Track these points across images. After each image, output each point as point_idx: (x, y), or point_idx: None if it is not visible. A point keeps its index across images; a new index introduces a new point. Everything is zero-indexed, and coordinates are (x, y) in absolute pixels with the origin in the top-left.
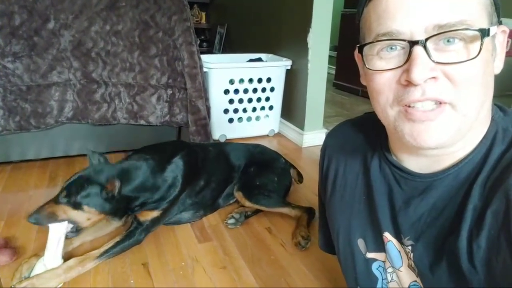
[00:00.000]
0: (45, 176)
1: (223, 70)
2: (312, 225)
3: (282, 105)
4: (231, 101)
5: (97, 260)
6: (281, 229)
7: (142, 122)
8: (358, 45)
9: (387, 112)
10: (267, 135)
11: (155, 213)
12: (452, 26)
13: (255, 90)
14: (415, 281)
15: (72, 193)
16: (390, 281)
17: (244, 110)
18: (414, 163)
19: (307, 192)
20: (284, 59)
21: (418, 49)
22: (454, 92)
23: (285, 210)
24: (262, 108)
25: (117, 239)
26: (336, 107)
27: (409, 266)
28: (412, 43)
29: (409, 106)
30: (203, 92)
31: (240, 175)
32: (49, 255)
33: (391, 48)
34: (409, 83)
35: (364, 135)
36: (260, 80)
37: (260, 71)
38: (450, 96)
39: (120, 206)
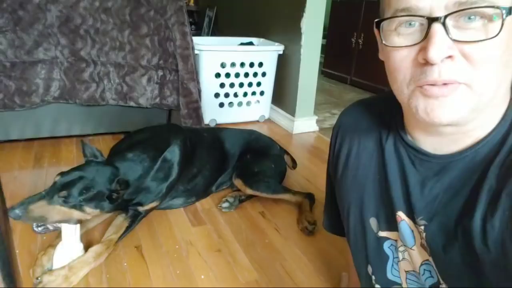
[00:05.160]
0: (30, 157)
1: (215, 53)
2: (313, 210)
3: (273, 91)
4: (222, 85)
5: (115, 244)
6: (274, 214)
7: (132, 103)
8: (376, 20)
9: (403, 90)
10: (258, 121)
11: (153, 204)
12: (473, 3)
13: (246, 75)
14: (427, 260)
15: (73, 195)
16: (402, 260)
17: (235, 95)
18: (429, 143)
19: (299, 177)
20: (276, 43)
21: (436, 26)
22: (471, 71)
23: (286, 196)
24: (253, 93)
25: (126, 224)
26: (325, 94)
27: (422, 245)
28: (431, 20)
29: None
30: (195, 75)
31: (236, 162)
32: (69, 243)
33: (410, 24)
34: (426, 62)
35: (378, 114)
36: (252, 65)
37: (252, 55)
38: (465, 77)
39: (119, 206)
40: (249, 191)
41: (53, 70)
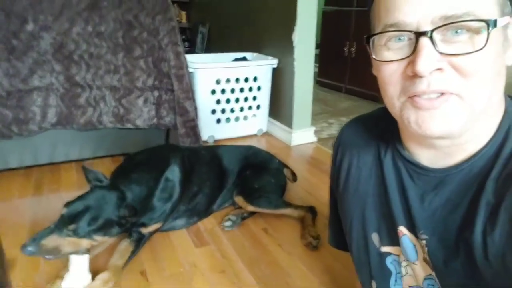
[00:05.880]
0: (29, 185)
1: (209, 70)
2: (316, 224)
3: (269, 104)
4: (218, 102)
5: (122, 270)
6: (277, 229)
7: (129, 125)
8: (366, 35)
9: (394, 103)
10: (256, 135)
11: (156, 225)
12: (458, 18)
13: (242, 90)
14: (430, 274)
15: (82, 226)
16: (405, 275)
17: (232, 110)
18: (426, 157)
19: (300, 190)
20: (270, 57)
21: (424, 40)
22: (461, 83)
23: (287, 211)
24: (250, 107)
25: (131, 248)
26: (321, 104)
27: (425, 259)
28: (419, 34)
29: (415, 95)
30: (191, 93)
31: (236, 179)
32: (78, 273)
33: (399, 39)
34: (415, 75)
35: (377, 129)
36: (246, 80)
37: (247, 70)
38: (456, 88)
39: (126, 229)
40: (250, 208)
41: (49, 97)
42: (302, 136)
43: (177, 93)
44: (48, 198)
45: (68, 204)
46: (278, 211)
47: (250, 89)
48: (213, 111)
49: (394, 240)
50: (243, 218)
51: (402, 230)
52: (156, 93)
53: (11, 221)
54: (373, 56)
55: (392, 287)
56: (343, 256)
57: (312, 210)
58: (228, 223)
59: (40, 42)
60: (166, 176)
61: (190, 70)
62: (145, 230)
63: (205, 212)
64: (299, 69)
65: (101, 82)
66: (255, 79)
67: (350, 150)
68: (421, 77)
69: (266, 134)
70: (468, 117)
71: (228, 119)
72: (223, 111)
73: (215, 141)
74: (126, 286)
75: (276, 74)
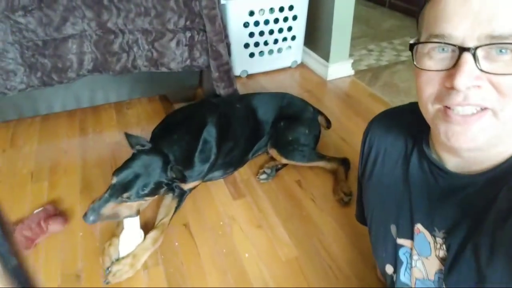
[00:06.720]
0: (75, 126)
1: (242, 1)
2: (348, 177)
3: (305, 33)
4: (251, 35)
5: (167, 226)
6: (310, 182)
7: (163, 69)
8: (411, 42)
9: (428, 108)
10: (290, 67)
11: (195, 183)
12: (504, 38)
13: (276, 21)
14: (441, 269)
15: (136, 193)
16: (414, 267)
17: (265, 43)
18: (452, 163)
19: (334, 137)
20: None
21: (466, 56)
22: (498, 100)
23: (321, 163)
24: (284, 39)
25: (174, 204)
26: (361, 24)
27: (437, 256)
28: (462, 49)
29: (449, 108)
30: (224, 35)
31: (270, 130)
32: (132, 232)
33: (443, 49)
34: (453, 87)
35: (406, 126)
36: (281, 9)
37: None
38: (492, 103)
39: (170, 188)
40: (284, 161)
41: (83, 43)
42: (339, 70)
43: (210, 35)
44: (93, 139)
45: (117, 173)
46: (311, 163)
47: (285, 19)
48: (246, 45)
49: (410, 234)
50: (277, 170)
51: (419, 227)
52: (188, 34)
53: (64, 168)
54: (414, 63)
55: (402, 275)
56: None
57: (345, 162)
58: (263, 176)
59: None
60: (204, 138)
61: (222, 2)
62: (185, 187)
63: (241, 162)
64: None
65: (132, 26)
66: (290, 7)
67: (377, 144)
68: (458, 90)
69: (301, 66)
70: (497, 133)
71: (261, 53)
72: (256, 44)
73: (248, 75)
74: (173, 240)
75: (313, 1)
